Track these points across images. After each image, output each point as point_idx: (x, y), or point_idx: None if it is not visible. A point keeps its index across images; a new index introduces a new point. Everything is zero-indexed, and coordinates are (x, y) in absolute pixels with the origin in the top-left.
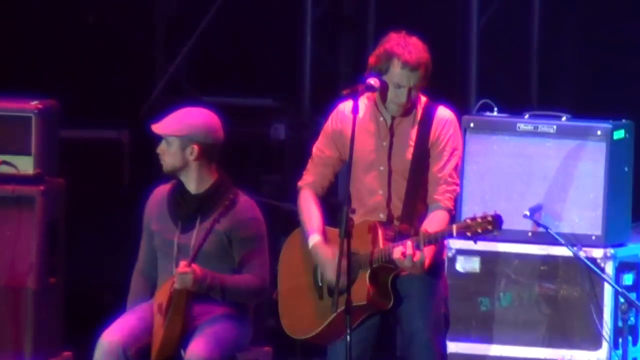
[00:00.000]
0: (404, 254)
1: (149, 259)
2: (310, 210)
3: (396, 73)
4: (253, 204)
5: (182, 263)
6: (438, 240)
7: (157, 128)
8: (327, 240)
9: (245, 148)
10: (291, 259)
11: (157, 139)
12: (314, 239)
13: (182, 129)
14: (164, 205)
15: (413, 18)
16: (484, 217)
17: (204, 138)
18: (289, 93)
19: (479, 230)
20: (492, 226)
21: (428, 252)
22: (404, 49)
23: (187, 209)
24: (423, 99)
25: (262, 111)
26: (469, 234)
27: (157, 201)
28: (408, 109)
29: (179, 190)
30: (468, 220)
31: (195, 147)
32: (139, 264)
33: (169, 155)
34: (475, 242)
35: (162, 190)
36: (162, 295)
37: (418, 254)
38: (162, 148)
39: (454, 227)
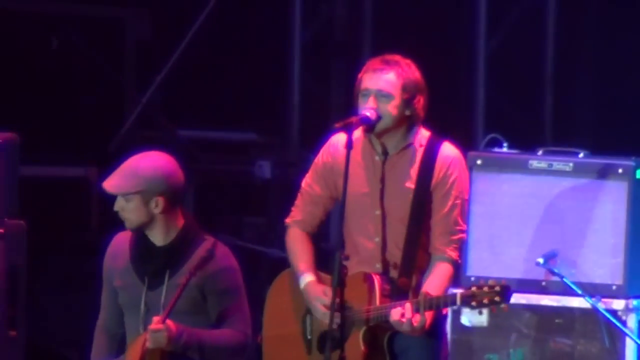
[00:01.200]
0: (402, 316)
1: (111, 315)
2: (300, 250)
3: (363, 79)
4: (226, 250)
5: (155, 319)
6: (440, 306)
7: (111, 187)
8: (320, 281)
9: (225, 188)
10: (279, 303)
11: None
12: (306, 278)
13: (139, 183)
14: (126, 259)
15: (413, 42)
16: (491, 287)
17: (165, 187)
18: (275, 127)
19: (485, 301)
20: (499, 298)
21: (429, 314)
22: (375, 58)
23: (154, 264)
24: (426, 133)
25: (244, 147)
26: (474, 303)
27: (118, 253)
28: (404, 146)
29: (143, 242)
30: (474, 289)
31: (160, 199)
32: (100, 320)
33: (130, 213)
34: (480, 312)
35: (122, 240)
36: (133, 353)
37: (418, 317)
38: (120, 205)
39: (458, 295)
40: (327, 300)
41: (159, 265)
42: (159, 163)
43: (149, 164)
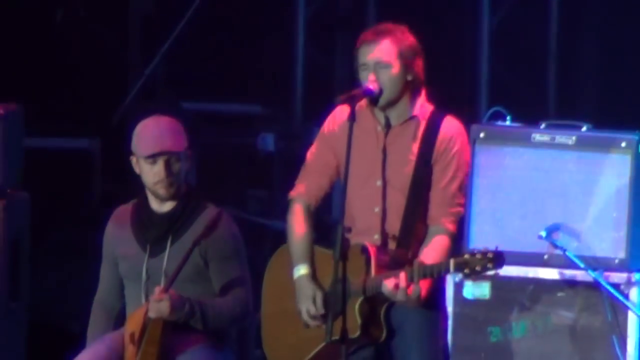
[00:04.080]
0: (396, 286)
1: (110, 288)
2: (299, 233)
3: (360, 54)
4: (229, 218)
5: (158, 289)
6: (434, 275)
7: (173, 146)
8: (315, 269)
9: (229, 160)
10: (277, 278)
11: (129, 152)
12: (299, 270)
13: (185, 139)
14: (127, 228)
15: (417, 16)
16: (484, 254)
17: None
18: (279, 99)
19: (477, 268)
20: (492, 264)
21: (424, 284)
22: (366, 30)
23: (156, 231)
24: (429, 107)
25: (248, 119)
26: (466, 270)
27: (119, 224)
28: (408, 118)
29: (145, 211)
30: (467, 256)
31: (189, 153)
32: (99, 293)
33: (179, 172)
34: (473, 280)
35: (123, 212)
36: (134, 324)
37: (412, 287)
38: (170, 169)
39: (452, 262)
40: (313, 310)
41: (161, 231)
42: (177, 120)
43: (176, 122)
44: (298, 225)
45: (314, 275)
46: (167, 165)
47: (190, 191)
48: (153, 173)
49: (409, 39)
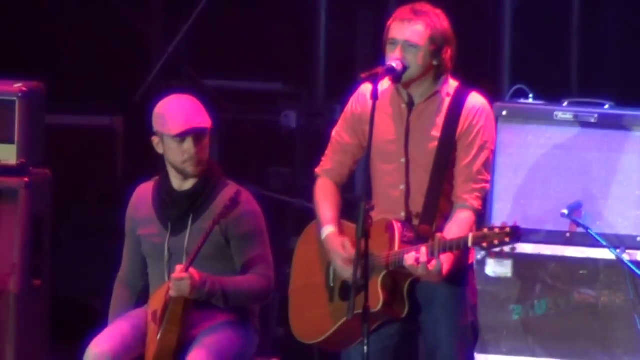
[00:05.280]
0: (417, 261)
1: (133, 267)
2: (326, 201)
3: (392, 28)
4: (249, 195)
5: (178, 267)
6: (454, 249)
7: (202, 123)
8: (342, 232)
9: (251, 138)
10: (305, 254)
11: (151, 129)
12: (327, 230)
13: (208, 114)
14: (149, 207)
15: None
16: (502, 228)
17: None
18: (301, 77)
19: (495, 242)
20: (509, 238)
21: (446, 259)
22: (404, 7)
23: (177, 209)
24: (454, 83)
25: (271, 97)
26: (484, 244)
27: (140, 202)
28: (432, 94)
29: (165, 189)
30: (485, 230)
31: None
32: (121, 272)
33: (205, 148)
34: (489, 254)
35: (145, 190)
36: (156, 302)
37: (434, 262)
38: (196, 148)
39: (470, 236)
40: (344, 253)
41: (181, 210)
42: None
43: (197, 100)
44: (325, 193)
45: (339, 234)
46: (197, 143)
47: (211, 168)
48: (182, 151)
49: (443, 25)
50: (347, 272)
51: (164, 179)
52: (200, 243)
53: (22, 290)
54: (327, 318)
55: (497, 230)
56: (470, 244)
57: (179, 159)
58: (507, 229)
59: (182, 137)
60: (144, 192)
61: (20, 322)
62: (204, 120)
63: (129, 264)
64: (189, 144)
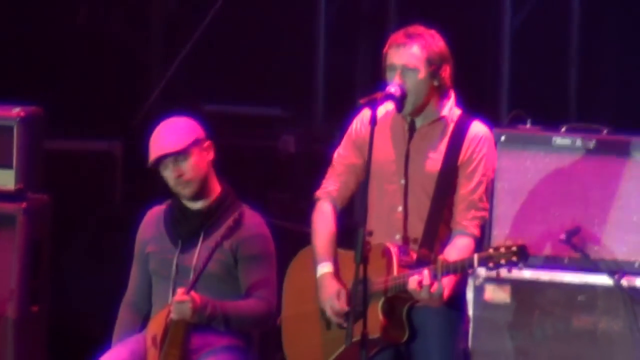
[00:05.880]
0: (420, 284)
1: (140, 290)
2: (323, 231)
3: (388, 55)
4: (260, 219)
5: (180, 290)
6: (458, 271)
7: (168, 148)
8: (338, 268)
9: (250, 162)
10: (298, 281)
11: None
12: (323, 269)
13: (190, 132)
14: (160, 226)
15: (439, 16)
16: (508, 247)
17: (204, 134)
18: (300, 101)
19: (502, 262)
20: (517, 257)
21: (447, 282)
22: (397, 32)
23: (188, 226)
24: (457, 111)
25: (269, 121)
26: (490, 264)
27: (152, 222)
28: (436, 119)
29: (178, 207)
30: (491, 250)
31: (207, 144)
32: (128, 295)
33: (192, 169)
34: (497, 274)
35: (156, 211)
36: (156, 326)
37: (436, 285)
38: (177, 171)
39: (476, 256)
40: (338, 305)
41: (193, 227)
42: (184, 118)
43: (182, 120)
44: (323, 223)
45: (337, 274)
46: (175, 167)
47: (226, 189)
48: (167, 178)
49: (439, 45)
50: (336, 320)
51: (177, 199)
52: (202, 264)
53: (20, 316)
54: (324, 347)
55: (503, 250)
56: (476, 264)
57: (170, 184)
58: (514, 248)
59: (155, 166)
60: (155, 214)
61: (19, 348)
62: (176, 143)
63: (135, 287)
64: (167, 171)
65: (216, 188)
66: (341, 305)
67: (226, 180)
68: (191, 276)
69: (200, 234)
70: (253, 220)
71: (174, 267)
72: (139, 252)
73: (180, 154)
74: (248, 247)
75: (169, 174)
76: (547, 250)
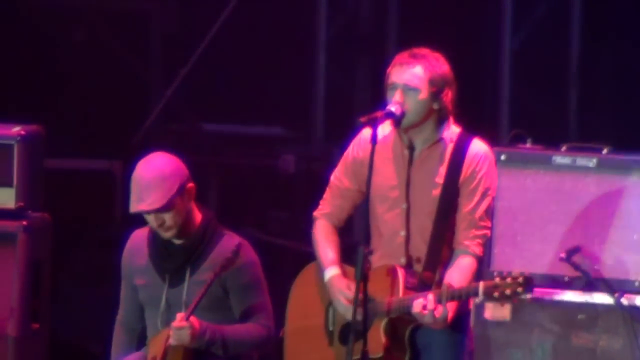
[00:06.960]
0: (424, 308)
1: (131, 310)
2: (327, 242)
3: (391, 74)
4: (247, 245)
5: (179, 316)
6: (462, 298)
7: (155, 205)
8: (345, 274)
9: (250, 181)
10: (302, 296)
11: None
12: (331, 272)
13: (173, 183)
14: (145, 257)
15: (438, 37)
16: (514, 278)
17: (186, 177)
18: (300, 121)
19: (508, 292)
20: (522, 288)
21: (451, 306)
22: (403, 52)
23: (174, 262)
24: (456, 129)
25: (269, 141)
26: (496, 294)
27: (136, 250)
28: (435, 141)
29: (161, 240)
30: (497, 280)
31: (189, 186)
32: (120, 315)
33: (174, 218)
34: (502, 304)
35: (140, 237)
36: (155, 349)
37: (440, 309)
38: (160, 219)
39: (481, 285)
40: (350, 294)
41: (179, 263)
42: (168, 160)
43: (164, 164)
44: (326, 235)
45: (343, 276)
46: (157, 217)
47: (206, 218)
48: (149, 220)
49: (443, 68)
50: (351, 312)
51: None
52: (200, 294)
53: (20, 334)
54: None
55: (509, 280)
56: (481, 294)
57: (151, 225)
58: (520, 279)
59: (136, 214)
60: (139, 239)
61: None
62: (159, 201)
63: (127, 307)
64: (149, 217)
65: (197, 218)
66: (352, 293)
67: (226, 203)
68: (182, 310)
69: (187, 269)
70: (241, 249)
71: (163, 303)
72: (127, 277)
73: (162, 209)
74: (237, 278)
75: (150, 219)
76: (548, 269)
